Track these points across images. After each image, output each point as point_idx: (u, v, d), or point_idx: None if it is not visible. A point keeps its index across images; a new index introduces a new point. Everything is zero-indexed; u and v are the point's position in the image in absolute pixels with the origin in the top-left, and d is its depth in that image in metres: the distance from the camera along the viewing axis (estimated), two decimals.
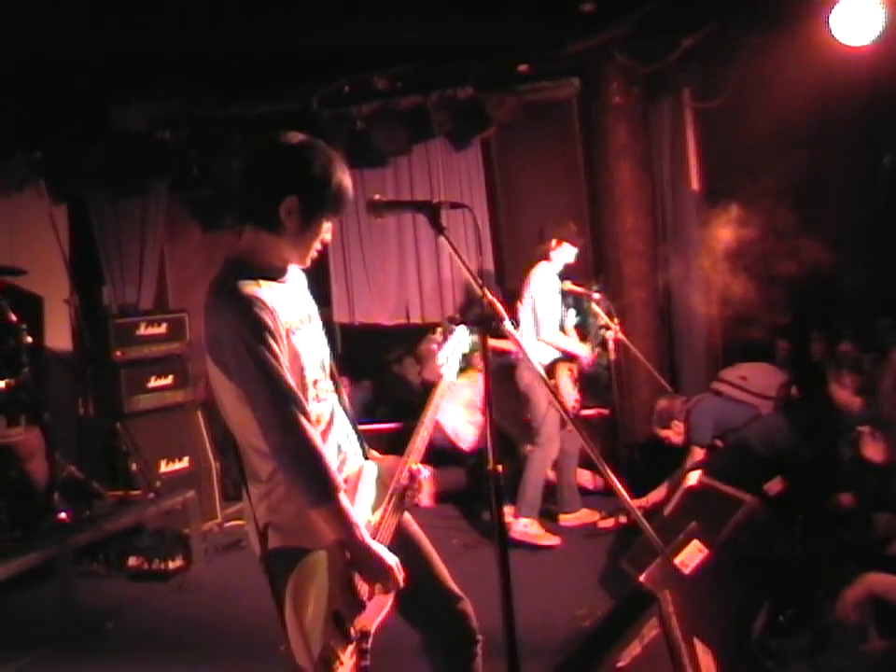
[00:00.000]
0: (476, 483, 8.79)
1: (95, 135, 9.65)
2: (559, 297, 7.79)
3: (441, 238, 3.33)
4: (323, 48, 8.20)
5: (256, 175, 3.34)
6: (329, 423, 3.40)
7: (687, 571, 5.03)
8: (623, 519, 7.73)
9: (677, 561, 5.02)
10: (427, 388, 10.48)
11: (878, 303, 8.58)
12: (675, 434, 7.73)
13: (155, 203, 10.78)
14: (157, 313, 9.77)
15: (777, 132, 8.52)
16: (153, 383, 8.82)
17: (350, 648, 3.18)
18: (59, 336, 9.64)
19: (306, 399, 3.25)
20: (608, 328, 7.85)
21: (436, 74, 9.29)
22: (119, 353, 8.67)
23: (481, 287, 3.25)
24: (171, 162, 10.13)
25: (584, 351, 7.95)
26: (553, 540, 7.44)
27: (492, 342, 3.44)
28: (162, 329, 9.08)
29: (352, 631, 3.19)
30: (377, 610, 3.32)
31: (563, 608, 6.07)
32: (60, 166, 9.74)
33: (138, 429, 8.51)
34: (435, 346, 3.92)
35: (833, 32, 6.93)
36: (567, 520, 8.08)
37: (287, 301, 3.29)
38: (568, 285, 7.80)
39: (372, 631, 3.27)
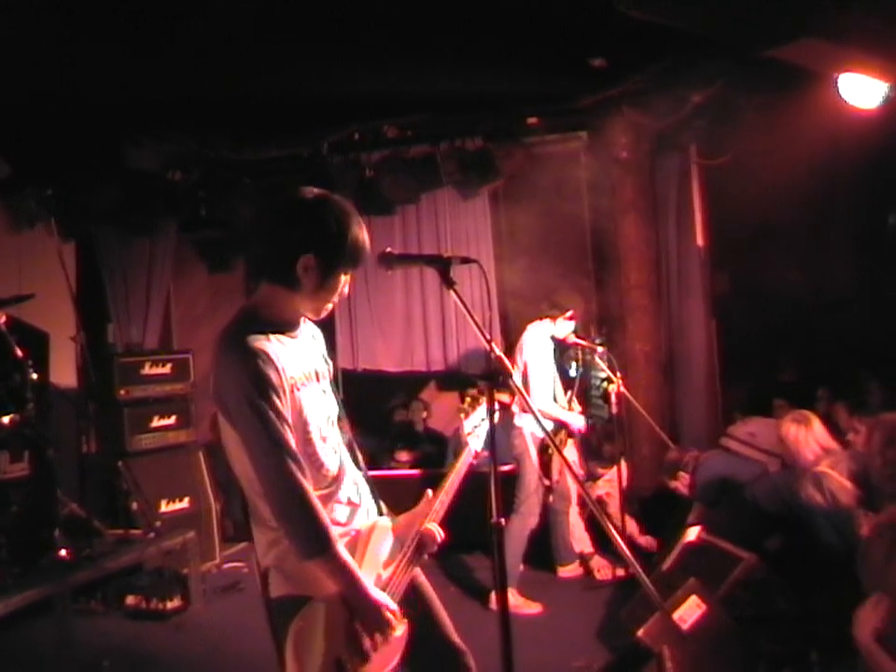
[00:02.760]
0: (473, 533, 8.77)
1: (107, 174, 9.72)
2: (552, 362, 7.76)
3: (451, 292, 3.37)
4: (334, 94, 8.28)
5: (272, 233, 3.36)
6: (337, 477, 3.42)
7: (685, 627, 5.04)
8: (620, 572, 7.74)
9: (675, 616, 5.03)
10: (432, 435, 10.46)
11: (880, 360, 8.60)
12: (682, 485, 7.68)
13: (163, 242, 10.85)
14: (162, 353, 9.81)
15: (782, 190, 8.58)
16: (156, 422, 8.86)
17: None
18: (64, 372, 9.67)
19: (313, 454, 3.30)
20: (610, 381, 7.85)
21: (446, 124, 9.34)
22: (123, 391, 8.71)
23: (489, 342, 3.28)
24: (180, 203, 10.21)
25: (577, 420, 7.79)
26: (533, 609, 7.28)
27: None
28: (167, 369, 9.13)
29: None
30: (384, 663, 3.33)
31: (560, 659, 6.09)
32: (70, 204, 9.81)
33: (140, 468, 8.53)
34: (462, 415, 3.96)
35: (840, 93, 6.99)
36: (564, 572, 8.08)
37: (294, 357, 3.33)
38: (572, 337, 7.80)
39: None
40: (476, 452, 3.86)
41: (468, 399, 4.09)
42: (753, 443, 7.55)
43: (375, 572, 3.40)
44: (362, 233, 3.35)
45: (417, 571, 3.62)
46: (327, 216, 3.30)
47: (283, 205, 3.41)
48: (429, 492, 3.69)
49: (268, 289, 3.35)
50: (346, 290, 3.43)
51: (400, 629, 3.36)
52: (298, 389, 3.28)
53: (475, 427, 3.90)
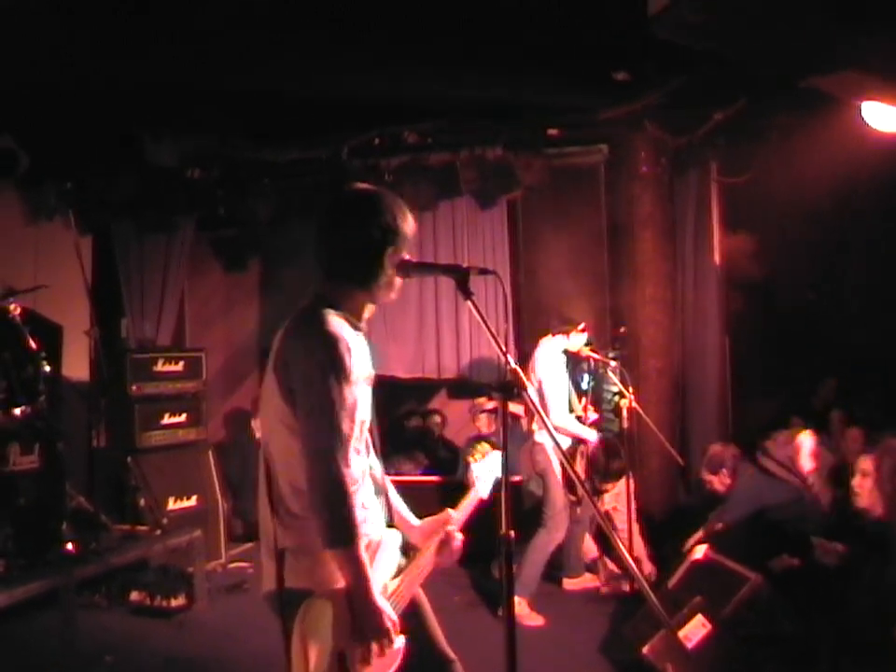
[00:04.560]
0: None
1: (126, 169, 9.75)
2: (566, 376, 7.78)
3: (468, 303, 3.37)
4: (356, 99, 8.27)
5: (346, 232, 3.46)
6: (359, 480, 3.44)
7: (690, 646, 5.03)
8: (626, 586, 7.73)
9: (680, 634, 5.02)
10: (445, 443, 10.46)
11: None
12: (719, 483, 7.51)
13: (180, 239, 10.86)
14: (175, 350, 9.82)
15: (800, 210, 8.57)
16: (167, 419, 8.87)
17: None
18: (76, 366, 9.67)
19: (356, 451, 3.37)
20: (622, 395, 7.84)
21: (466, 132, 9.34)
22: (135, 387, 8.74)
23: (504, 354, 3.28)
24: (198, 201, 10.24)
25: (591, 435, 7.83)
26: (537, 621, 7.28)
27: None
28: (180, 366, 9.14)
29: None
30: (382, 666, 3.35)
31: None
32: (89, 198, 9.84)
33: (149, 465, 8.55)
34: (472, 459, 4.05)
35: (862, 116, 6.97)
36: (570, 584, 8.08)
37: (361, 353, 3.43)
38: (585, 350, 7.80)
39: None
40: (481, 498, 3.95)
41: (480, 446, 4.21)
42: (792, 469, 7.45)
43: (382, 582, 3.44)
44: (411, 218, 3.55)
45: (419, 598, 3.68)
46: (396, 212, 3.47)
47: (356, 202, 3.53)
48: (449, 512, 3.77)
49: (342, 282, 3.47)
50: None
51: (399, 641, 3.38)
52: (357, 384, 3.35)
53: (485, 474, 3.99)
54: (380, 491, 3.63)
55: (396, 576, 3.55)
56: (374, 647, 3.29)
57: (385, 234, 3.42)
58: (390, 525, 3.67)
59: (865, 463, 5.64)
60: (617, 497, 8.34)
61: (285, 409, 3.33)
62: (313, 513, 3.26)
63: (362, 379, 3.40)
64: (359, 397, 3.37)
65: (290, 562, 3.35)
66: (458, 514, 3.81)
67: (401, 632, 3.40)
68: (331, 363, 3.24)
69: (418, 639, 3.52)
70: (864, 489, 5.62)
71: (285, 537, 3.37)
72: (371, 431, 3.58)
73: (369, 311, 3.56)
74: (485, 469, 4.00)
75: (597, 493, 8.40)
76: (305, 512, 3.31)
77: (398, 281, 3.52)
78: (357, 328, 3.47)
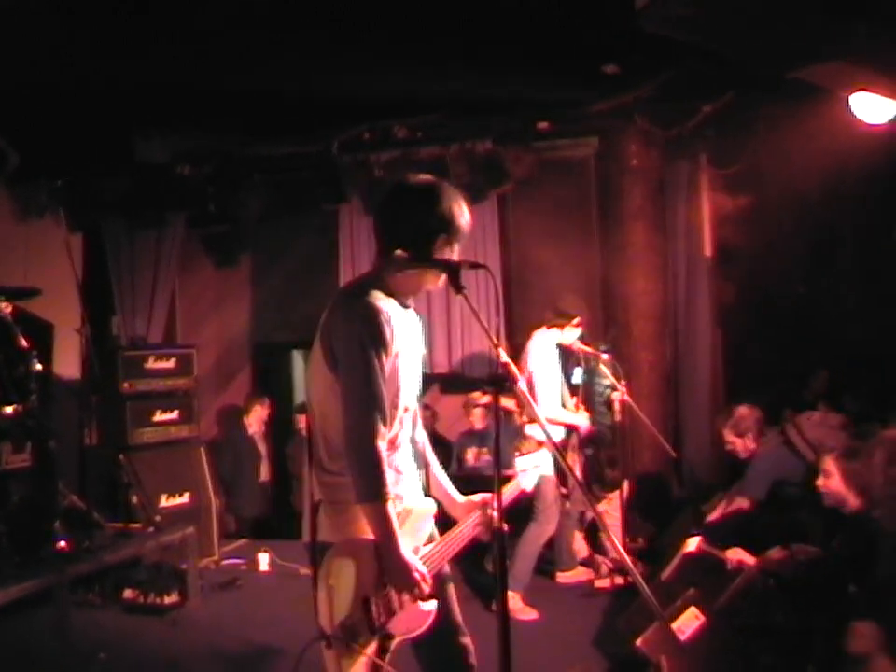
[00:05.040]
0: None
1: (116, 167, 9.74)
2: (558, 369, 7.76)
3: (460, 297, 3.39)
4: (346, 93, 8.26)
5: (411, 215, 3.63)
6: (397, 444, 3.68)
7: (684, 638, 5.03)
8: (619, 579, 7.73)
9: (674, 627, 5.02)
10: (437, 439, 10.45)
11: (883, 372, 8.60)
12: (742, 446, 7.36)
13: (171, 236, 10.84)
14: (166, 347, 9.83)
15: (791, 201, 8.58)
16: (158, 416, 8.86)
17: (373, 639, 3.41)
18: (67, 364, 9.67)
19: (391, 416, 3.56)
20: (614, 388, 7.83)
21: (456, 126, 9.34)
22: (126, 385, 8.72)
23: (496, 347, 3.29)
24: (189, 197, 10.21)
25: (583, 421, 7.84)
26: (530, 615, 7.28)
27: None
28: (171, 363, 9.13)
29: (377, 623, 3.41)
30: (408, 627, 3.54)
31: (557, 667, 6.08)
32: (80, 196, 9.83)
33: (141, 462, 8.54)
34: (517, 453, 4.22)
35: (851, 109, 6.97)
36: (563, 578, 8.09)
37: (405, 326, 3.65)
38: (577, 344, 7.77)
39: (396, 638, 3.50)
40: (523, 490, 4.13)
41: (527, 443, 4.34)
42: (818, 449, 7.31)
43: (414, 544, 3.62)
44: (467, 214, 3.72)
45: (447, 573, 3.85)
46: (453, 201, 3.64)
47: (422, 188, 3.70)
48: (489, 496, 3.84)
49: (393, 261, 3.58)
50: None
51: (430, 603, 3.57)
52: (400, 356, 3.58)
53: (530, 468, 4.13)
54: (421, 464, 3.89)
55: (428, 542, 3.73)
56: (399, 597, 3.49)
57: (440, 222, 3.59)
58: (427, 494, 3.88)
59: (828, 464, 5.60)
60: (610, 504, 8.29)
61: (328, 374, 3.55)
62: (349, 470, 3.47)
63: (405, 350, 3.61)
64: (401, 367, 3.59)
65: (324, 516, 3.60)
66: (494, 505, 3.88)
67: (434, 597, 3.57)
68: (369, 332, 3.45)
69: (439, 613, 3.65)
70: (830, 488, 5.59)
71: (320, 492, 3.63)
72: (414, 409, 3.80)
73: (419, 291, 3.77)
74: (530, 464, 4.14)
75: (597, 500, 8.39)
76: (341, 470, 3.54)
77: (441, 275, 3.63)
78: (403, 304, 3.68)
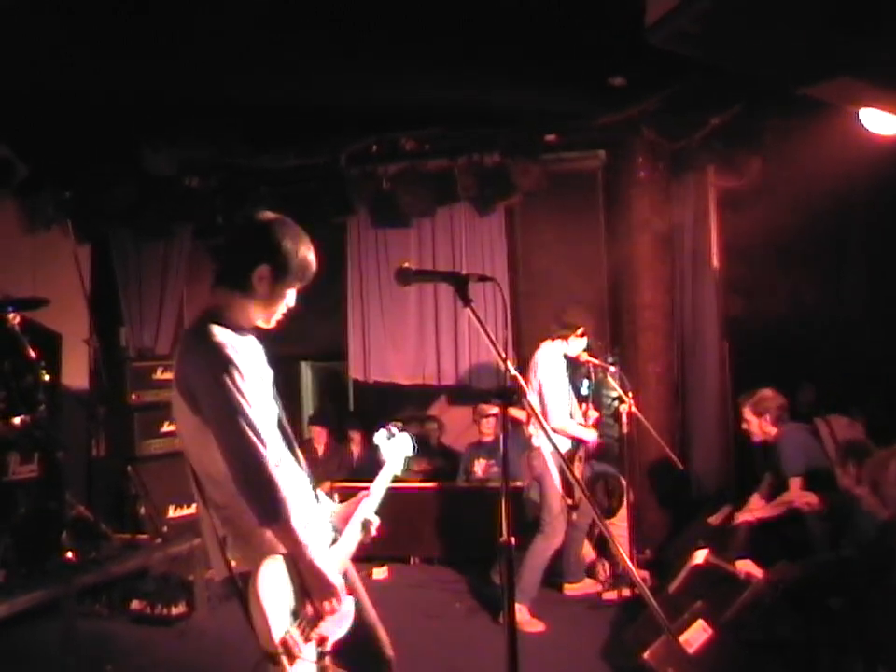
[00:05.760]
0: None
1: (124, 178, 9.75)
2: (566, 379, 7.76)
3: (468, 310, 3.39)
4: (354, 105, 8.29)
5: (236, 245, 3.79)
6: (280, 462, 3.67)
7: (691, 651, 5.03)
8: (626, 592, 7.72)
9: (681, 639, 5.01)
10: (444, 450, 10.45)
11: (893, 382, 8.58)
12: (758, 427, 7.30)
13: (178, 248, 10.90)
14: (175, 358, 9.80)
15: (798, 214, 8.56)
16: (166, 427, 8.82)
17: (310, 645, 3.52)
18: (75, 375, 9.68)
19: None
20: (621, 400, 7.83)
21: (464, 138, 9.35)
22: (134, 396, 8.73)
23: (504, 360, 3.29)
24: (196, 209, 10.25)
25: (591, 435, 7.78)
26: (537, 627, 7.26)
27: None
28: None
29: (309, 630, 3.55)
30: (336, 623, 3.68)
31: None
32: (87, 207, 9.85)
33: (149, 473, 8.52)
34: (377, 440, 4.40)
35: (859, 119, 6.96)
36: (571, 590, 8.07)
37: (249, 354, 3.68)
38: (585, 356, 7.77)
39: (330, 639, 3.63)
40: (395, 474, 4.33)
41: (391, 427, 4.45)
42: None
43: (325, 550, 3.74)
44: (311, 254, 3.76)
45: (350, 568, 3.97)
46: (283, 234, 3.68)
47: (245, 223, 3.82)
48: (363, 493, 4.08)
49: (226, 294, 3.70)
50: (293, 304, 3.81)
51: (348, 601, 3.73)
52: (251, 381, 3.58)
53: (393, 453, 4.32)
54: (304, 476, 3.88)
55: (332, 545, 3.84)
56: (324, 605, 3.56)
57: (265, 252, 3.65)
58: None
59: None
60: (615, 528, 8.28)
61: (193, 418, 3.56)
62: (243, 499, 3.46)
63: (256, 376, 3.64)
64: (258, 391, 3.62)
65: (233, 549, 3.60)
66: (375, 492, 4.09)
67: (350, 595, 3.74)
68: (221, 363, 3.46)
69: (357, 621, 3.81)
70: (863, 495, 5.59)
71: (223, 527, 3.60)
72: (283, 426, 3.87)
73: (256, 319, 3.77)
74: (392, 448, 4.31)
75: None
76: (230, 501, 3.55)
77: (282, 307, 3.77)
78: (242, 332, 3.71)
